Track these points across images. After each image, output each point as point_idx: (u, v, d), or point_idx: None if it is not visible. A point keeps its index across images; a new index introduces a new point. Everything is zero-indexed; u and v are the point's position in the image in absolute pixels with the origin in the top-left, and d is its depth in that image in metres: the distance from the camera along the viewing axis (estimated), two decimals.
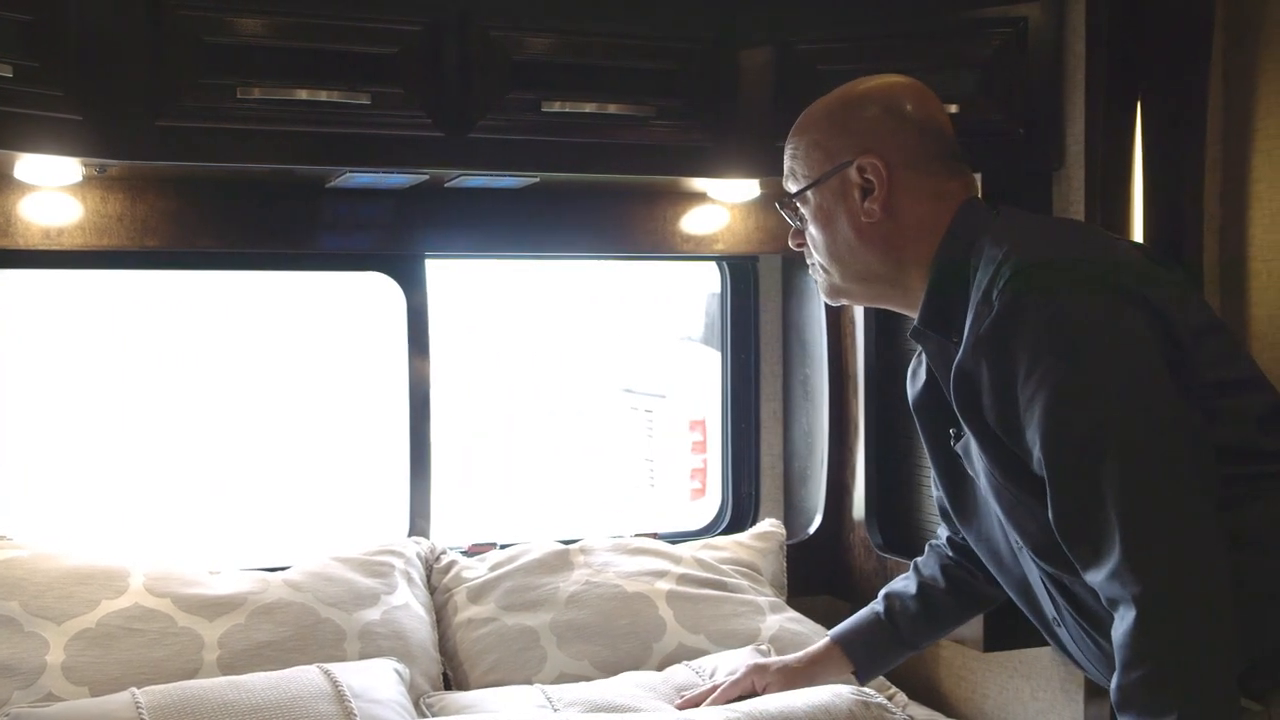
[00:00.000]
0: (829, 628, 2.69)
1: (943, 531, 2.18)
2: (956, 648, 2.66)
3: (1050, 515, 1.62)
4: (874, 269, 1.82)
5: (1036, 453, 1.62)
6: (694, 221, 2.89)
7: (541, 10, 2.41)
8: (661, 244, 2.88)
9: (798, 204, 1.87)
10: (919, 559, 2.23)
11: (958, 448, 1.83)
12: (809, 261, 1.91)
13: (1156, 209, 2.36)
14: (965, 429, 1.75)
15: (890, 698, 2.50)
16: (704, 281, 3.05)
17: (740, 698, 2.20)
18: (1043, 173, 2.49)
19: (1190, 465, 1.55)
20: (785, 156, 1.90)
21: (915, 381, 1.94)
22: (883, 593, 2.22)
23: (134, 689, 2.14)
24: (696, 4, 2.51)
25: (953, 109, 2.44)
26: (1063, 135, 2.45)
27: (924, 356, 1.89)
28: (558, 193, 2.73)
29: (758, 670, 2.24)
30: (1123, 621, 1.54)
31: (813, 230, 1.86)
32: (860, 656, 2.21)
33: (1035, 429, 1.60)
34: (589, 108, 2.42)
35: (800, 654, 2.27)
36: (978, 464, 1.77)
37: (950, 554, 2.17)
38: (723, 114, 2.51)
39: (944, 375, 1.78)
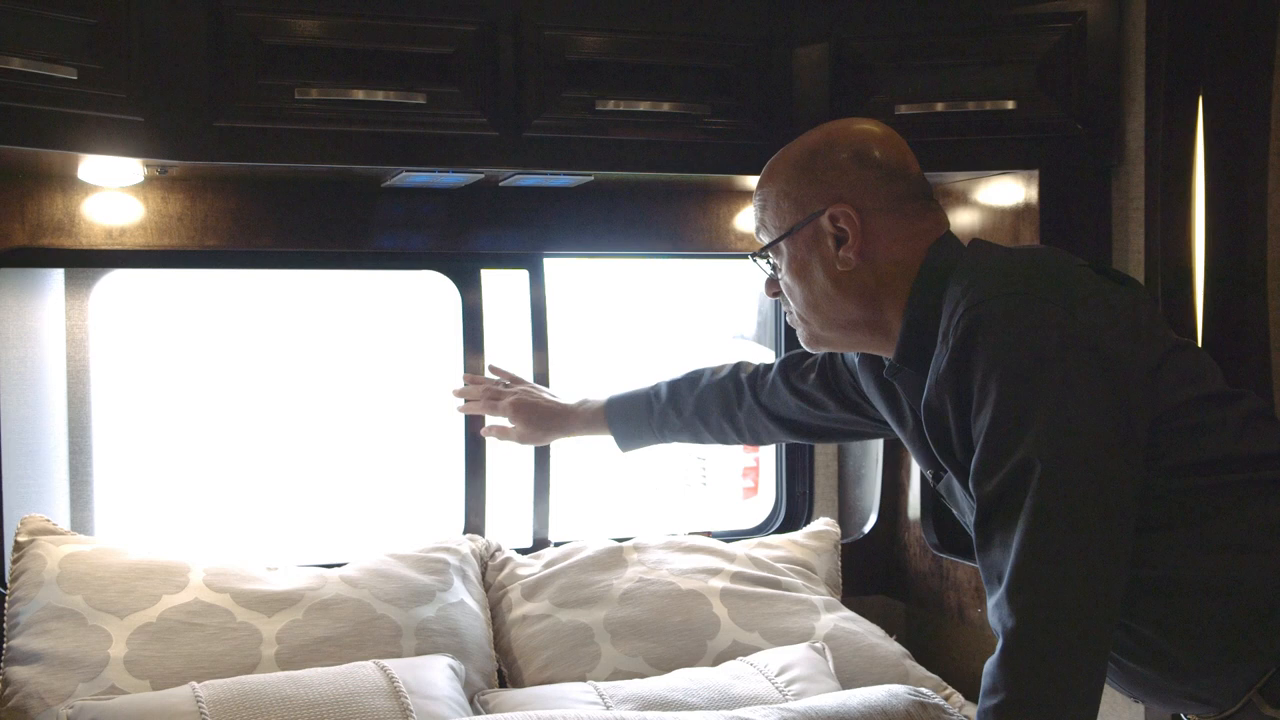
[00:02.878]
0: (885, 627, 2.69)
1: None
2: None
3: (974, 539, 1.64)
4: (852, 315, 1.81)
5: (970, 478, 1.63)
6: (748, 219, 2.89)
7: (595, 10, 2.42)
8: (715, 242, 2.88)
9: (771, 254, 1.87)
10: (750, 367, 2.28)
11: (940, 488, 1.83)
12: (785, 311, 1.91)
13: (1218, 206, 2.32)
14: (945, 467, 1.76)
15: (947, 698, 2.49)
16: (757, 279, 3.04)
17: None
18: (1102, 170, 2.47)
19: (1105, 515, 1.56)
20: (754, 208, 1.89)
21: (903, 422, 1.94)
22: (670, 382, 2.33)
23: (194, 683, 2.16)
24: (750, 2, 2.51)
25: (1009, 105, 2.44)
26: (1122, 131, 2.42)
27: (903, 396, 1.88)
28: (611, 191, 2.73)
29: (523, 404, 2.42)
30: (995, 652, 1.58)
31: (788, 280, 1.85)
32: (619, 427, 2.36)
33: (977, 454, 1.62)
34: (643, 106, 2.43)
35: (571, 401, 2.42)
36: (962, 502, 1.77)
37: (791, 383, 2.21)
38: (777, 112, 2.51)
39: (918, 406, 1.79)
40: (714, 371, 2.32)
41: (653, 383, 2.36)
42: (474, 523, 2.76)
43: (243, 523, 2.74)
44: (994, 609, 1.59)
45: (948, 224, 1.84)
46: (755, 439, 2.33)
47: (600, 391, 2.43)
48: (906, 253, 1.77)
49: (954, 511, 1.87)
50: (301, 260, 2.70)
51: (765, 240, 1.87)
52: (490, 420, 2.52)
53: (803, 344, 1.91)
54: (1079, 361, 1.57)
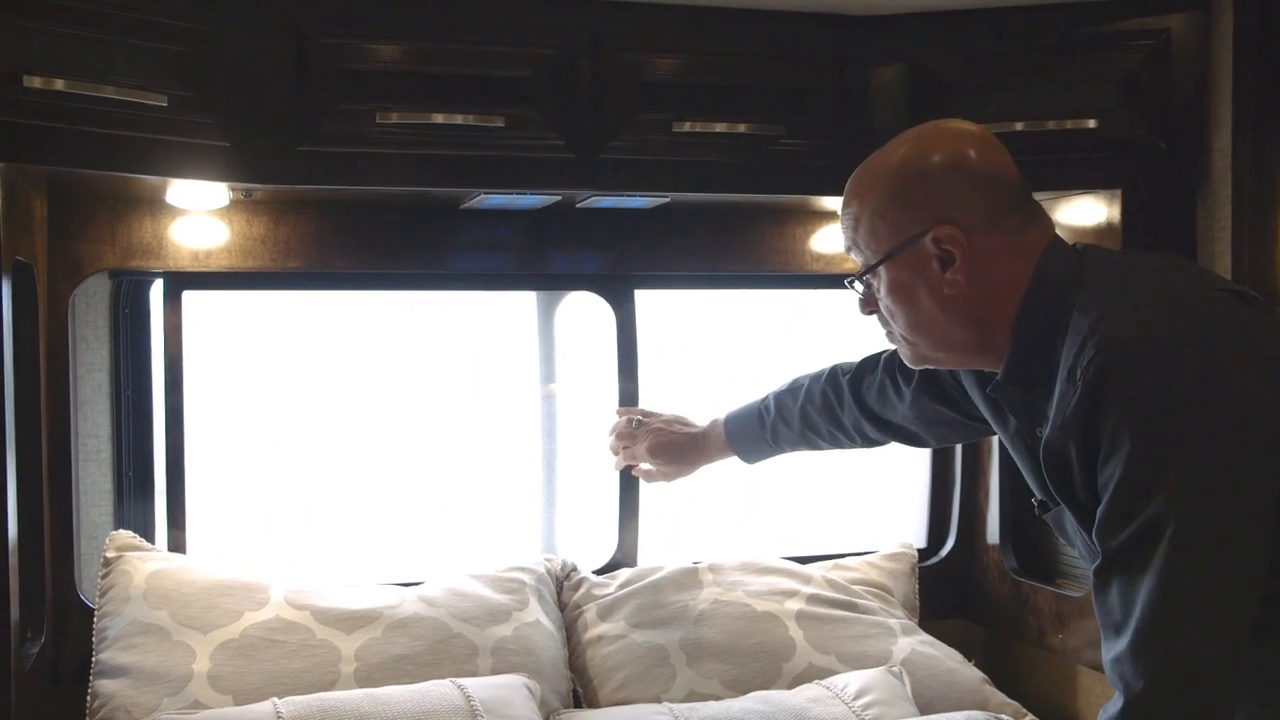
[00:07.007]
0: (963, 652, 2.66)
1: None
2: (1094, 675, 2.59)
3: (1092, 582, 1.57)
4: (960, 338, 1.72)
5: (1095, 529, 1.56)
6: (824, 240, 2.88)
7: (671, 32, 2.43)
8: (791, 263, 2.87)
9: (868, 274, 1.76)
10: (836, 372, 2.28)
11: (1047, 519, 1.77)
12: (886, 330, 1.81)
13: None
14: (1059, 501, 1.68)
15: None
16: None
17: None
18: (1186, 189, 2.43)
19: (1238, 582, 1.48)
20: (842, 225, 1.78)
21: (1006, 430, 1.86)
22: (776, 394, 2.36)
23: (275, 699, 2.19)
24: (826, 22, 2.51)
25: (1091, 124, 2.41)
26: (1208, 150, 2.38)
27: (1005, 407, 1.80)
28: (687, 212, 2.74)
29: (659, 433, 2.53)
30: (1113, 705, 1.51)
31: (888, 303, 1.74)
32: (738, 445, 2.45)
33: (1104, 506, 1.54)
34: (719, 128, 2.43)
35: (701, 427, 2.51)
36: (1075, 538, 1.72)
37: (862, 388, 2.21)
38: (853, 132, 2.49)
39: (1026, 424, 1.73)
40: (815, 378, 2.30)
41: (763, 395, 2.39)
42: (626, 543, 2.81)
43: (342, 545, 2.75)
44: (1114, 663, 1.51)
45: (1053, 227, 1.72)
46: (867, 442, 2.29)
47: (721, 409, 2.49)
48: (1014, 269, 1.67)
49: (1060, 540, 1.80)
50: (384, 282, 2.73)
51: (859, 259, 1.77)
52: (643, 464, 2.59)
53: (907, 362, 1.82)
54: (1216, 414, 1.47)
